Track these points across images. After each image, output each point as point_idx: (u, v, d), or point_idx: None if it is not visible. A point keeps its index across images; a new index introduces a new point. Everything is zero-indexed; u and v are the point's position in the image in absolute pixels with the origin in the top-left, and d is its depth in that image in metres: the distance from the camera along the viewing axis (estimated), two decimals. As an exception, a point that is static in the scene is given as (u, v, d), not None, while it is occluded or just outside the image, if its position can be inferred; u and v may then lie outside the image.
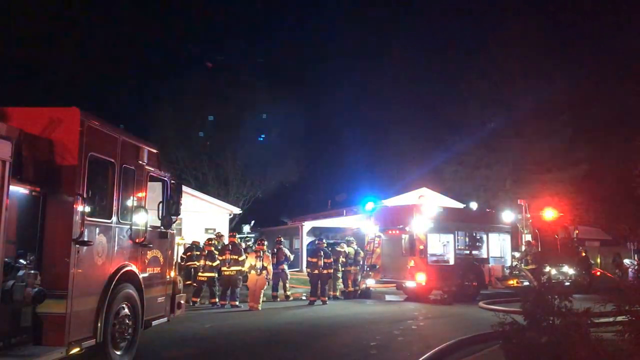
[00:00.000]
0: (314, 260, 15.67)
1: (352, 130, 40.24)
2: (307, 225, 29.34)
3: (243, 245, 19.67)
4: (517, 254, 18.57)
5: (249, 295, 14.47)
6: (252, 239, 22.01)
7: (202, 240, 17.94)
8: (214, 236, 17.80)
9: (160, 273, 8.11)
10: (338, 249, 17.02)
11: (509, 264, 18.21)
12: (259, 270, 14.41)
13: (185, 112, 33.29)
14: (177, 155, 32.58)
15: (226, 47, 44.47)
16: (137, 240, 7.35)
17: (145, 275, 7.62)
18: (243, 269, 14.73)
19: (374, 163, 37.86)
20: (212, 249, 15.22)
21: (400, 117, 36.06)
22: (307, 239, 28.17)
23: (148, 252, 7.72)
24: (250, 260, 14.59)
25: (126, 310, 7.11)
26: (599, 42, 33.65)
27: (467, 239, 17.21)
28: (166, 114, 32.48)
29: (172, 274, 8.58)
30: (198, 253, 17.63)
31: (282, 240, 16.89)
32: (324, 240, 16.92)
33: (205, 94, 34.63)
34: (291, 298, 16.30)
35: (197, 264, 15.19)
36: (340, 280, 16.96)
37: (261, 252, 14.71)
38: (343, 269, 16.80)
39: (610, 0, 36.29)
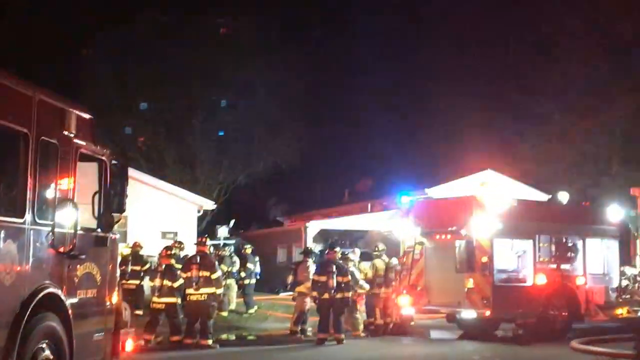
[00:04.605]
0: (323, 279, 15.66)
1: (380, 88, 39.97)
2: (313, 226, 29.44)
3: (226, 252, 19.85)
4: (629, 270, 18.58)
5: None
6: (232, 247, 22.50)
7: (150, 245, 18.02)
8: (173, 244, 17.92)
9: (96, 297, 8.20)
10: (389, 260, 17.41)
11: (616, 284, 18.17)
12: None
13: (134, 62, 33.42)
14: (120, 124, 32.82)
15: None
16: (62, 250, 7.38)
17: (75, 300, 7.67)
18: (218, 291, 14.88)
19: (413, 136, 37.71)
20: (172, 262, 15.29)
21: (452, 67, 35.81)
22: (313, 247, 28.25)
23: (79, 266, 7.78)
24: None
25: (47, 351, 7.11)
26: None
27: (553, 248, 17.24)
28: (106, 66, 32.76)
29: (115, 298, 8.70)
30: (139, 268, 17.91)
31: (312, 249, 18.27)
32: (338, 250, 16.92)
33: (164, 37, 34.69)
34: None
35: (152, 284, 15.33)
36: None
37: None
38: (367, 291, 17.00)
39: None
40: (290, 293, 18.89)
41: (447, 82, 35.61)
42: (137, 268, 18.74)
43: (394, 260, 17.73)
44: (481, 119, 34.09)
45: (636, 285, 18.42)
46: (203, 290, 14.56)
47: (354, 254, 17.59)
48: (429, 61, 38.67)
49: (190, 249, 19.01)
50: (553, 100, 32.28)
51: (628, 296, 18.08)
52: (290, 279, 17.36)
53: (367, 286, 16.93)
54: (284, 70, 36.41)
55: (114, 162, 8.55)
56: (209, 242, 16.88)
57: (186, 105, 34.72)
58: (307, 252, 17.78)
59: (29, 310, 6.75)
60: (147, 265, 18.87)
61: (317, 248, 19.60)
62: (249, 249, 22.18)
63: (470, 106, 34.11)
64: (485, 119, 34.11)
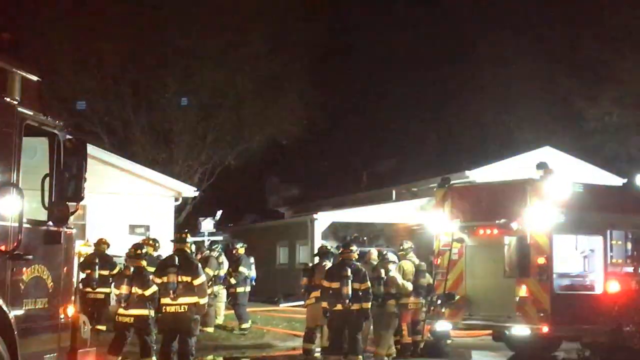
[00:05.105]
0: (335, 285, 15.44)
1: (409, 39, 39.91)
2: (323, 218, 29.88)
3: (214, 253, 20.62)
4: None
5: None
6: (220, 246, 22.40)
7: (115, 243, 18.20)
8: (144, 241, 17.90)
9: (47, 309, 8.41)
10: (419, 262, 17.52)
11: None
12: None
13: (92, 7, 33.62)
14: (76, 88, 32.92)
15: None
16: (3, 248, 7.54)
17: (21, 312, 7.84)
18: (201, 301, 14.60)
19: (450, 103, 37.64)
20: (143, 264, 15.04)
21: (499, 17, 35.90)
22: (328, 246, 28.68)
23: (25, 269, 7.94)
24: None
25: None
26: None
27: (629, 246, 17.41)
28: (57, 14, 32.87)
29: (71, 309, 8.91)
30: (108, 272, 18.32)
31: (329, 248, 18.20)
32: (355, 248, 16.58)
33: None
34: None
35: (118, 291, 14.95)
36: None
37: None
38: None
39: None
40: (296, 303, 19.32)
41: (494, 29, 36.19)
42: (106, 273, 18.72)
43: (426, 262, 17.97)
44: (538, 81, 34.20)
45: None
46: (182, 299, 14.25)
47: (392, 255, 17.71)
48: (471, 3, 39.00)
49: (166, 248, 18.77)
50: (631, 53, 32.16)
51: None
52: (304, 281, 17.44)
53: (410, 286, 17.00)
54: (287, 13, 36.45)
55: (68, 136, 8.60)
56: (189, 238, 16.39)
57: (161, 63, 34.98)
58: (323, 254, 17.47)
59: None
60: (117, 269, 18.58)
61: (331, 246, 19.47)
62: (241, 248, 21.94)
63: (524, 63, 34.19)
64: (543, 81, 34.18)
